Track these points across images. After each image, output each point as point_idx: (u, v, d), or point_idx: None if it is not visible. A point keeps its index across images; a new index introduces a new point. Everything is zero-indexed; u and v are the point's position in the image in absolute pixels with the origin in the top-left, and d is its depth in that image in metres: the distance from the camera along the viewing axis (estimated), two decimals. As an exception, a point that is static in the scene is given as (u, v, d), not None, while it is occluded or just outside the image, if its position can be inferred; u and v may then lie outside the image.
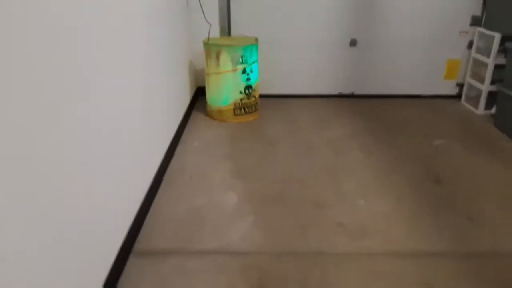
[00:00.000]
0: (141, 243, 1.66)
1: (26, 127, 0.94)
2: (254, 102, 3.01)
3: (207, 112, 3.08)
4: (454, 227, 1.78)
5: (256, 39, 2.94)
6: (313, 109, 3.29)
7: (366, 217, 1.84)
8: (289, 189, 2.06)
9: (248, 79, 2.89)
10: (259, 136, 2.74)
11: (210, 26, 2.97)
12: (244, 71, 2.84)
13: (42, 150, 1.00)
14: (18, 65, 0.91)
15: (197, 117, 3.06)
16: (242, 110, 2.96)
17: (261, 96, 3.20)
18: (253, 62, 2.88)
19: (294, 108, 3.30)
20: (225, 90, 2.90)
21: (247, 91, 2.92)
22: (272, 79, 3.46)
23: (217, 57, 2.79)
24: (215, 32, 3.16)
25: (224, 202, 1.94)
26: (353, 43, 3.38)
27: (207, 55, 2.86)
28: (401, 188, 2.09)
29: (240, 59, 2.80)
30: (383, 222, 1.81)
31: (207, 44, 2.82)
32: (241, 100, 2.92)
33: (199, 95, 3.35)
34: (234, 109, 2.94)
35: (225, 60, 2.79)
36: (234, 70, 2.81)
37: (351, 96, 3.59)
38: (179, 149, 2.51)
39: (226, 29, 3.25)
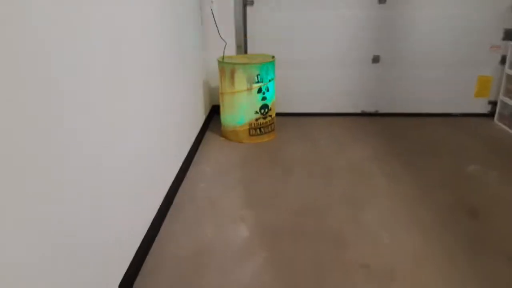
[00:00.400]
0: (140, 283, 1.51)
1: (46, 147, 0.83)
2: (270, 122, 2.86)
3: (221, 132, 2.95)
4: (493, 271, 1.56)
5: (273, 57, 2.81)
6: (334, 128, 3.11)
7: (393, 256, 1.64)
8: (305, 222, 1.88)
9: (264, 98, 2.75)
10: (275, 159, 2.58)
11: (226, 44, 2.86)
12: (259, 90, 2.70)
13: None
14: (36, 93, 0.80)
15: (211, 138, 2.93)
16: (258, 130, 2.82)
17: (279, 114, 3.06)
18: (270, 81, 2.74)
19: (313, 127, 3.14)
20: (239, 110, 2.77)
21: (263, 111, 2.78)
22: (291, 97, 3.32)
23: (232, 75, 2.67)
24: (231, 50, 3.05)
25: (233, 236, 1.78)
26: (376, 59, 3.20)
27: (221, 73, 2.74)
28: (431, 221, 1.88)
29: (256, 78, 2.66)
30: (413, 263, 1.61)
31: (221, 62, 2.71)
32: (256, 120, 2.78)
33: (214, 114, 3.24)
34: (249, 130, 2.80)
35: (240, 78, 2.66)
36: (249, 89, 2.68)
37: (375, 114, 3.39)
38: (190, 173, 2.38)
39: (243, 47, 3.13)
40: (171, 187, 2.04)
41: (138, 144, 1.60)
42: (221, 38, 2.86)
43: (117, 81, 1.40)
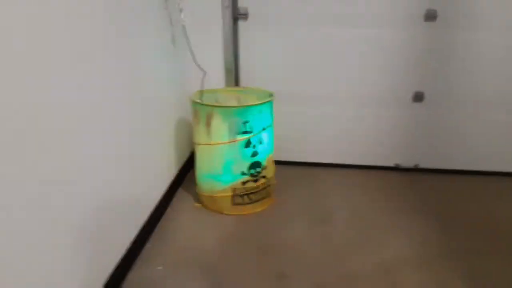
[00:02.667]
0: None
1: None
2: (264, 186, 2.02)
3: (196, 196, 2.13)
4: None
5: (271, 95, 1.98)
6: (356, 193, 2.23)
7: None
8: None
9: (254, 153, 1.91)
10: (266, 250, 1.73)
11: (205, 73, 2.07)
12: (248, 143, 1.88)
13: None
14: None
15: (183, 201, 2.11)
16: (245, 197, 1.98)
17: (281, 163, 2.24)
18: (264, 129, 1.91)
19: (327, 188, 2.27)
20: (219, 169, 1.95)
21: (253, 171, 1.94)
22: (299, 141, 2.48)
23: (208, 122, 1.86)
24: (218, 81, 2.25)
25: None
26: (418, 97, 2.31)
27: (195, 117, 1.94)
28: None
29: (242, 126, 1.84)
30: None
31: (195, 103, 1.90)
32: (243, 183, 1.95)
33: (192, 164, 2.43)
34: (232, 197, 1.97)
35: (219, 127, 1.84)
36: (233, 141, 1.86)
37: (414, 170, 2.49)
38: (133, 274, 1.56)
39: (233, 75, 2.32)
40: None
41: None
42: (198, 66, 2.06)
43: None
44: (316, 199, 2.16)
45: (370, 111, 2.37)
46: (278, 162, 2.23)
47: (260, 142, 1.92)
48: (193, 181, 2.15)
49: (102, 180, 1.36)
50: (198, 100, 1.90)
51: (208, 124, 1.86)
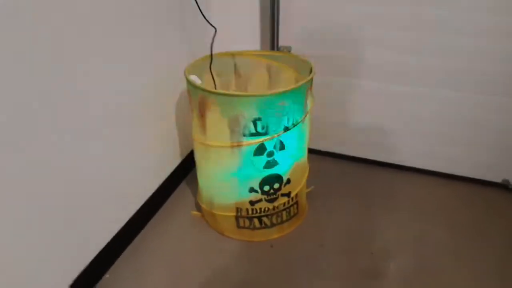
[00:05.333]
0: None
1: None
2: (285, 207, 1.39)
3: (196, 201, 1.57)
4: None
5: (310, 70, 1.25)
6: (436, 216, 1.48)
7: None
8: None
9: (270, 164, 1.26)
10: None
11: (215, 31, 1.37)
12: (260, 149, 1.22)
13: None
14: None
15: (180, 205, 1.58)
16: (255, 221, 1.38)
17: (322, 154, 1.59)
18: (288, 129, 1.22)
19: (388, 203, 1.55)
20: (216, 180, 1.35)
21: (267, 188, 1.31)
22: (353, 128, 1.74)
23: (201, 113, 1.22)
24: (249, 37, 1.55)
25: None
26: None
27: (189, 101, 1.30)
28: None
29: (251, 125, 1.17)
30: None
31: (189, 83, 1.25)
32: (252, 203, 1.33)
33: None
34: (236, 218, 1.38)
35: (216, 122, 1.20)
36: (236, 145, 1.21)
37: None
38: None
39: (269, 29, 1.57)
40: None
41: None
42: (204, 18, 1.36)
43: None
44: (366, 224, 1.47)
45: (473, 97, 1.49)
46: (320, 153, 1.57)
47: (282, 147, 1.25)
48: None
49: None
50: (192, 77, 1.25)
51: (201, 116, 1.22)
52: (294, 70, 1.42)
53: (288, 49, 1.60)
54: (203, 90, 1.16)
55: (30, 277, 1.01)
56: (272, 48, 1.59)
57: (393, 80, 1.55)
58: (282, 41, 1.59)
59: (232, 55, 1.46)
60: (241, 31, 1.54)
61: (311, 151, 1.49)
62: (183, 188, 1.68)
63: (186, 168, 1.71)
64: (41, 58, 0.89)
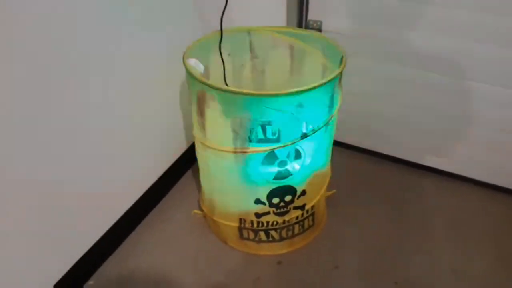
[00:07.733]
0: None
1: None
2: (298, 220, 1.17)
3: (199, 199, 1.38)
4: None
5: (341, 58, 0.98)
6: (473, 232, 1.23)
7: None
8: None
9: (281, 175, 1.03)
10: None
11: (226, 3, 1.10)
12: (270, 157, 0.98)
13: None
14: None
15: (182, 199, 1.41)
16: (262, 234, 1.18)
17: (348, 147, 1.36)
18: (306, 135, 0.97)
19: (417, 211, 1.31)
20: (217, 185, 1.14)
21: (276, 200, 1.09)
22: (384, 122, 1.46)
23: (200, 109, 0.99)
24: (272, 17, 1.26)
25: None
26: None
27: (190, 92, 1.07)
28: None
29: (260, 130, 0.93)
30: None
31: (187, 71, 1.00)
32: (258, 216, 1.12)
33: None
34: (240, 229, 1.18)
35: (217, 122, 0.97)
36: (241, 151, 0.98)
37: None
38: None
39: (296, 8, 1.27)
40: None
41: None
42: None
43: None
44: (393, 243, 1.24)
45: None
46: (347, 146, 1.35)
47: (297, 157, 1.01)
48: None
49: None
50: (192, 62, 1.00)
51: (201, 113, 0.99)
52: (322, 54, 1.14)
53: (318, 25, 1.30)
54: (201, 82, 0.92)
55: (16, 276, 0.92)
56: (300, 23, 1.30)
57: (455, 73, 1.23)
58: (312, 15, 1.30)
59: (248, 31, 1.19)
60: (262, 2, 1.25)
61: (336, 143, 1.24)
62: (185, 180, 1.49)
63: (191, 156, 1.52)
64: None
